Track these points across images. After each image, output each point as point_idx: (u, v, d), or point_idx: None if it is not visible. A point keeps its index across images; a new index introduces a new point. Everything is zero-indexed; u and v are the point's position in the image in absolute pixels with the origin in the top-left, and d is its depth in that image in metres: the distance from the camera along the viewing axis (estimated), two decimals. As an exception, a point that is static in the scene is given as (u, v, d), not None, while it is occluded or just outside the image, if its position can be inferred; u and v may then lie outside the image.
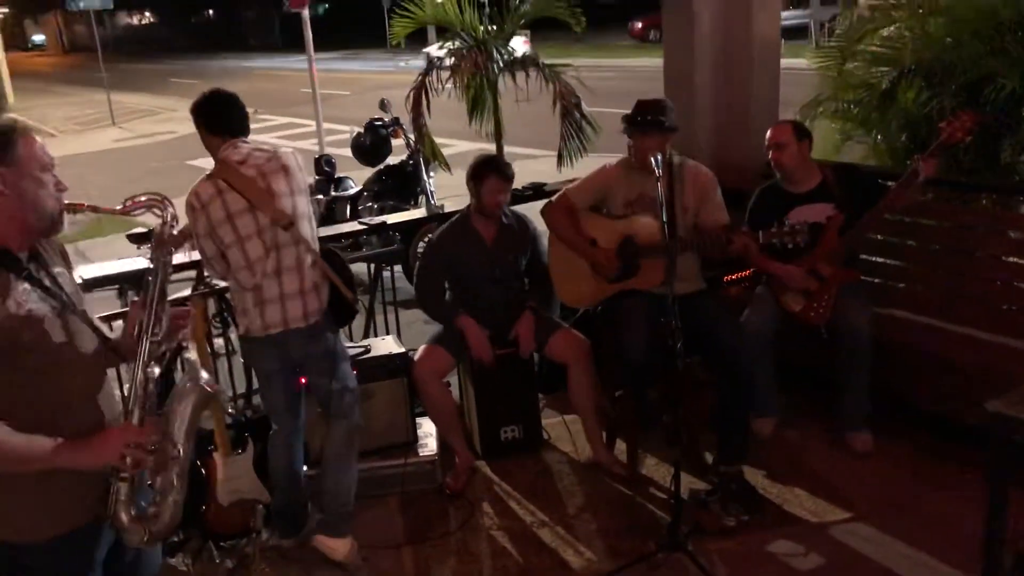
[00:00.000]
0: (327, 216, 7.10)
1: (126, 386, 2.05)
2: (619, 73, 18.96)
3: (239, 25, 52.70)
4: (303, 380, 3.42)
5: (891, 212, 3.85)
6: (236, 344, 3.96)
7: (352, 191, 7.47)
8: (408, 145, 7.04)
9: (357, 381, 3.53)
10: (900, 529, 3.33)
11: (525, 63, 5.60)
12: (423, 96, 5.61)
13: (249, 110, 3.32)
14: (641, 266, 3.76)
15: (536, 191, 4.88)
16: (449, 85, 5.62)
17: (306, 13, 11.10)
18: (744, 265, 4.16)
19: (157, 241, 2.14)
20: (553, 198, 4.01)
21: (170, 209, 2.16)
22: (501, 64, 5.55)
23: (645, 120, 3.69)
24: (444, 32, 6.06)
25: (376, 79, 24.19)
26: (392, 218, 5.20)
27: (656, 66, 5.54)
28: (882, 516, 3.43)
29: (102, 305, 3.74)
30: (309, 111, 13.18)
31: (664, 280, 3.20)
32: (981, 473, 2.89)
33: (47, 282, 1.98)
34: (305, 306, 3.24)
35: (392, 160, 7.55)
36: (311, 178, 7.23)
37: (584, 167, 4.45)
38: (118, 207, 2.12)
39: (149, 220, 2.17)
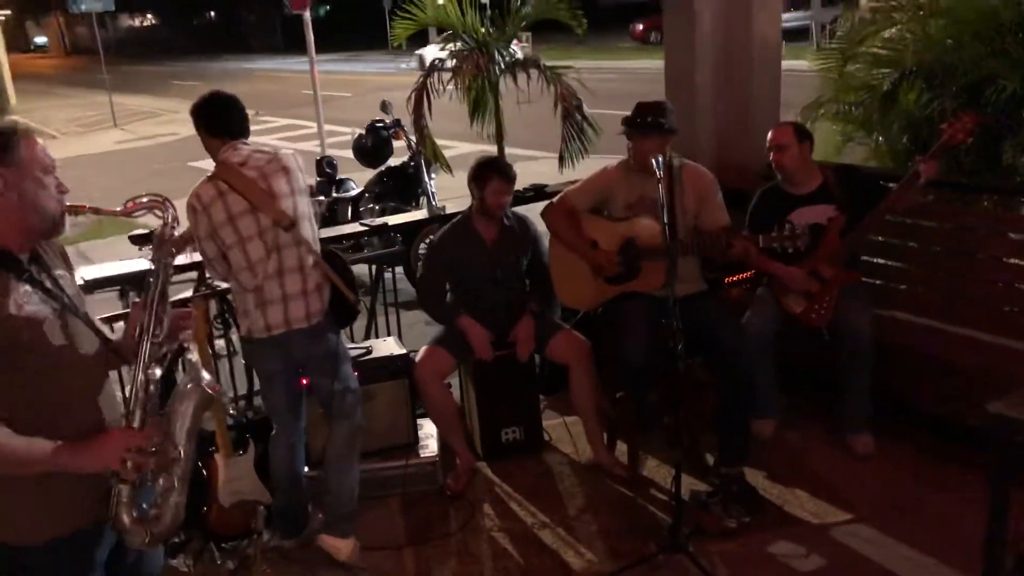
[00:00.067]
0: (329, 217, 7.10)
1: (128, 388, 2.04)
2: (620, 75, 18.97)
3: (240, 27, 52.76)
4: (304, 381, 3.43)
5: (892, 214, 3.84)
6: (237, 345, 3.96)
7: (353, 192, 7.47)
8: (409, 147, 7.04)
9: (358, 382, 3.53)
10: (901, 531, 3.33)
11: (526, 65, 5.60)
12: (424, 98, 5.61)
13: (250, 112, 3.32)
14: (642, 268, 3.76)
15: (537, 192, 4.89)
16: (450, 87, 5.63)
17: (307, 15, 11.11)
18: (745, 266, 4.16)
19: (158, 242, 2.15)
20: (554, 200, 4.01)
21: (171, 210, 2.16)
22: (502, 66, 5.55)
23: (645, 122, 3.69)
24: (442, 32, 6.06)
25: (377, 81, 24.24)
26: (393, 219, 5.20)
27: (657, 68, 5.55)
28: (883, 518, 3.43)
29: (104, 307, 3.75)
30: (310, 113, 13.20)
31: (665, 282, 3.20)
32: (982, 475, 2.88)
33: (48, 284, 1.99)
34: (308, 307, 3.25)
35: (393, 162, 7.56)
36: (313, 180, 7.24)
37: (586, 169, 4.45)
38: (119, 208, 2.12)
39: (151, 221, 2.18)
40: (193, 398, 2.12)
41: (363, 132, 7.63)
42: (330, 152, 10.08)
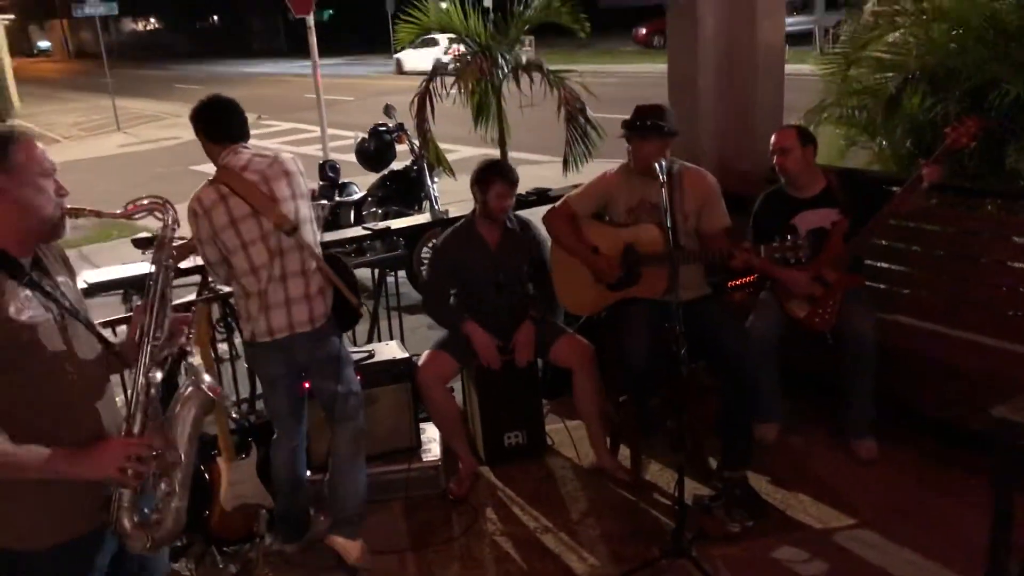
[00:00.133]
0: (332, 221, 7.10)
1: (128, 391, 2.04)
2: (623, 79, 19.00)
3: (244, 31, 52.93)
4: (307, 385, 3.42)
5: (896, 218, 3.84)
6: (240, 349, 3.96)
7: (356, 196, 7.47)
8: (412, 150, 7.04)
9: (361, 386, 3.53)
10: (905, 535, 3.32)
11: (529, 68, 5.61)
12: (427, 102, 5.62)
13: (253, 116, 3.32)
14: (643, 274, 3.75)
15: (540, 196, 4.88)
16: (453, 91, 5.63)
17: (311, 19, 11.13)
18: (748, 271, 4.15)
19: (158, 244, 2.15)
20: (555, 204, 4.00)
21: (171, 212, 2.16)
22: (505, 70, 5.56)
23: (644, 125, 3.67)
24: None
25: (380, 85, 24.28)
26: (396, 223, 5.19)
27: (660, 72, 5.55)
28: (887, 522, 3.42)
29: (107, 310, 3.76)
30: (313, 116, 13.22)
31: (667, 289, 3.18)
32: (986, 479, 2.88)
33: (48, 288, 1.98)
34: (311, 310, 3.25)
35: (396, 165, 7.56)
36: (315, 183, 7.25)
37: (589, 172, 4.45)
38: (119, 211, 2.12)
39: (154, 225, 2.18)
40: (195, 401, 2.12)
41: (366, 136, 7.64)
42: (333, 156, 10.09)
